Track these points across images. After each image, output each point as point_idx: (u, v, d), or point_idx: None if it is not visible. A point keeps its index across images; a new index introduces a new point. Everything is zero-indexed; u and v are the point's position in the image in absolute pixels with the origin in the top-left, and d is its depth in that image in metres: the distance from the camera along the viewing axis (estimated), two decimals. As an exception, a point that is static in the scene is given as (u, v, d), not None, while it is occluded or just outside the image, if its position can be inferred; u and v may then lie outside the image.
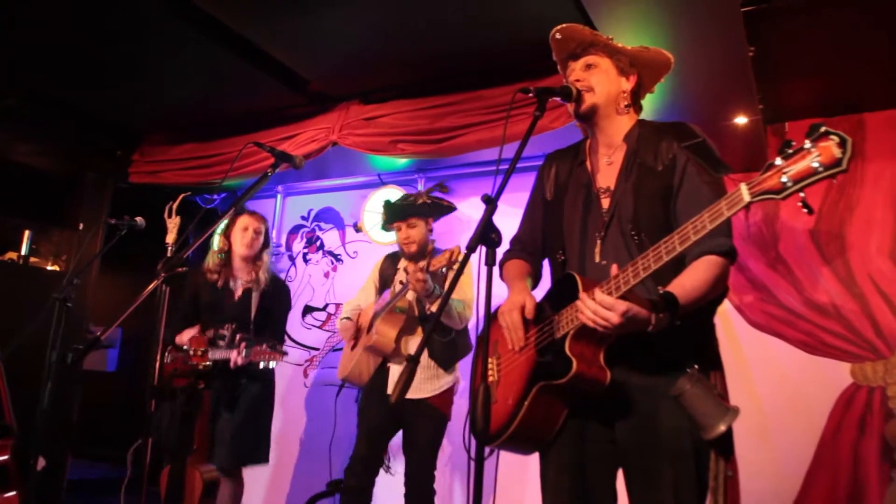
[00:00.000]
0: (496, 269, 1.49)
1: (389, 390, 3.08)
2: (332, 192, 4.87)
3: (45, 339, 3.24)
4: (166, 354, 3.13)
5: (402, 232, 3.18)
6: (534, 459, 1.79)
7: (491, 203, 1.46)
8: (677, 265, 1.56)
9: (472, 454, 1.36)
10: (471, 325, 3.16)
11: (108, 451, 5.52)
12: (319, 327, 4.68)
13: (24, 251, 4.31)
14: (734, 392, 1.68)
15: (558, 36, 1.81)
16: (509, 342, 1.73)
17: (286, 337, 3.62)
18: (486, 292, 1.42)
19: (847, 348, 3.32)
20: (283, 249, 4.96)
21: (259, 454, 3.23)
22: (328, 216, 4.87)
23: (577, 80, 1.77)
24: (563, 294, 1.64)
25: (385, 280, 3.34)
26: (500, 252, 1.50)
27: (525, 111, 2.87)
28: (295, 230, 4.98)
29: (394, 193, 4.25)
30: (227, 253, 3.38)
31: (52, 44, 3.41)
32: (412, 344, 3.09)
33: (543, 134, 2.98)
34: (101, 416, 5.43)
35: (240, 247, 3.33)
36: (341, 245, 4.75)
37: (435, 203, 3.20)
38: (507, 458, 1.78)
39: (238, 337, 3.03)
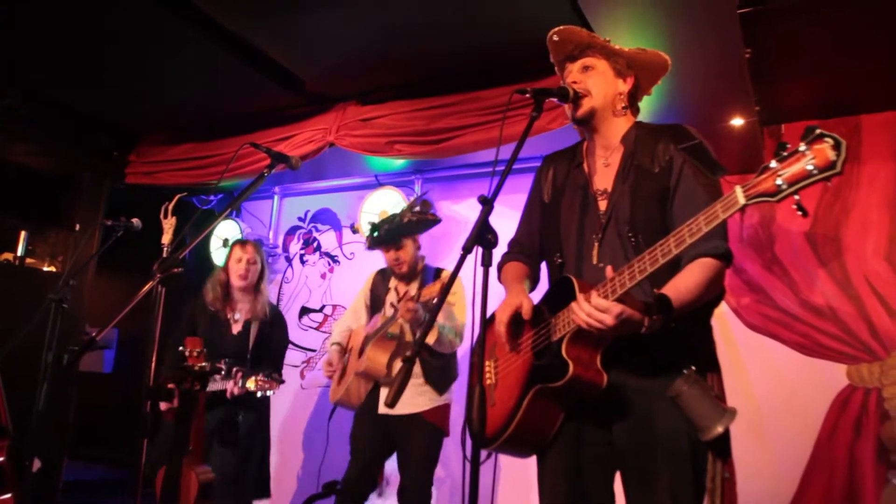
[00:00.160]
0: (492, 270, 1.49)
1: (381, 411, 3.04)
2: (329, 193, 4.86)
3: (41, 341, 3.22)
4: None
5: (391, 254, 3.14)
6: (534, 465, 1.79)
7: (487, 204, 1.46)
8: (673, 267, 1.57)
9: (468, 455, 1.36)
10: (466, 335, 3.13)
11: (104, 452, 5.51)
12: (316, 329, 4.67)
13: (20, 252, 4.29)
14: (731, 393, 1.68)
15: (556, 38, 1.81)
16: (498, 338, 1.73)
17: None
18: (482, 293, 1.41)
19: (843, 350, 3.32)
20: (279, 251, 4.96)
21: (262, 491, 3.25)
22: (325, 217, 4.87)
23: (574, 83, 1.77)
24: (560, 297, 1.64)
25: (376, 299, 3.29)
26: (496, 253, 1.49)
27: (522, 112, 2.87)
28: (292, 231, 4.97)
29: (391, 194, 4.25)
30: (225, 284, 3.37)
31: (50, 44, 3.41)
32: None
33: (541, 135, 2.98)
34: (97, 418, 5.41)
35: (235, 279, 3.33)
36: (338, 246, 4.75)
37: (420, 219, 3.14)
38: (506, 462, 1.78)
39: (234, 369, 3.03)
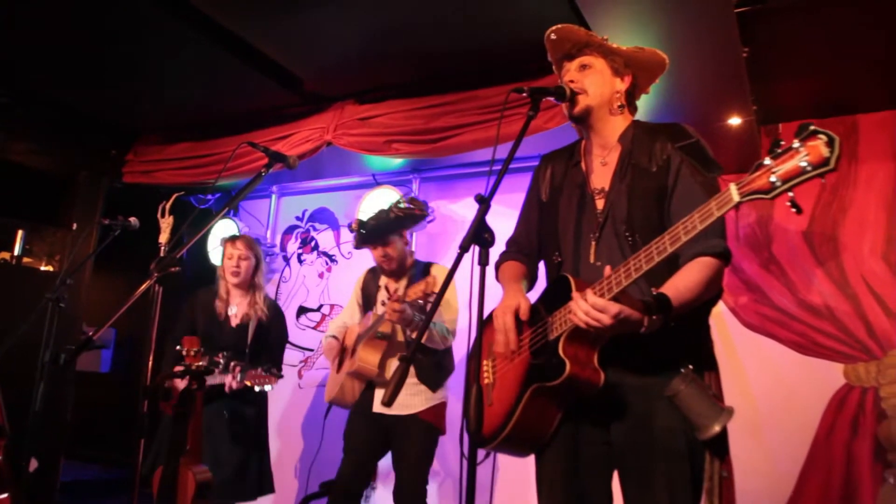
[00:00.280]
0: (489, 269, 1.49)
1: (376, 409, 3.03)
2: (326, 192, 4.86)
3: (38, 340, 3.22)
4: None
5: (378, 251, 3.10)
6: (532, 464, 1.79)
7: (484, 203, 1.46)
8: (671, 266, 1.57)
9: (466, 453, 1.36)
10: (461, 334, 3.12)
11: (101, 452, 5.50)
12: (314, 328, 4.67)
13: (17, 251, 4.29)
14: (728, 392, 1.68)
15: (553, 36, 1.81)
16: (502, 345, 1.73)
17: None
18: (478, 292, 1.41)
19: (840, 349, 3.33)
20: (277, 250, 4.96)
21: (264, 486, 3.23)
22: (323, 216, 4.86)
23: (572, 81, 1.77)
24: (557, 296, 1.64)
25: (368, 297, 3.27)
26: (493, 252, 1.49)
27: (519, 111, 2.86)
28: (289, 230, 4.97)
29: (388, 193, 4.25)
30: (224, 282, 3.36)
31: (50, 43, 3.40)
32: None
33: (538, 134, 2.98)
34: (94, 418, 5.41)
35: (228, 276, 3.32)
36: (336, 245, 4.75)
37: (407, 214, 3.08)
38: (504, 461, 1.78)
39: (232, 364, 3.02)
